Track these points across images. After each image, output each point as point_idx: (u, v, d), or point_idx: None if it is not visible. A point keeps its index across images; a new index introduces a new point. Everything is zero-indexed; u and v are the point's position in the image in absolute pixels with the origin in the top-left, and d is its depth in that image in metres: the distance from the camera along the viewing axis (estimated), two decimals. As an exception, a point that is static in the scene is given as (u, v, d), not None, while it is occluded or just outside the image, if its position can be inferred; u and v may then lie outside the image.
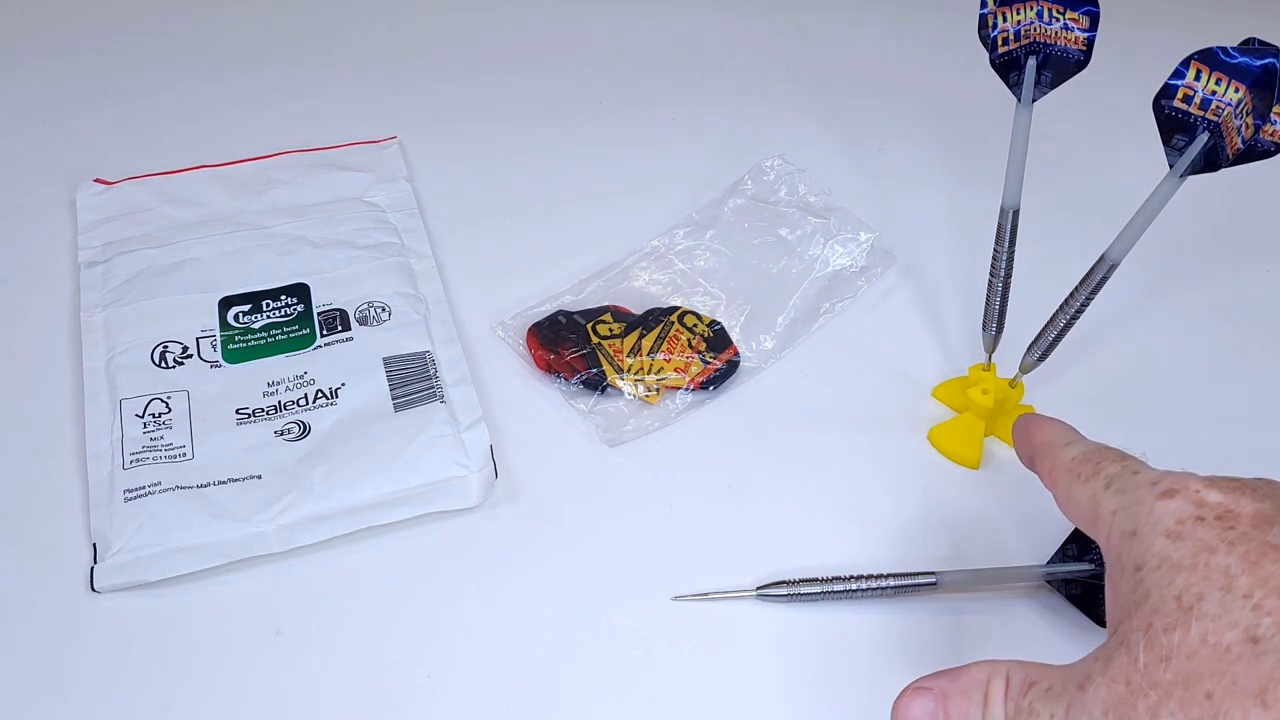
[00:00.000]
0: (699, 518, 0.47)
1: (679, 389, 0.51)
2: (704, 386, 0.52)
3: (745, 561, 0.45)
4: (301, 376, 0.49)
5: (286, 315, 0.52)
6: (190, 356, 0.50)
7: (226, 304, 0.52)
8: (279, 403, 0.48)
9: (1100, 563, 0.43)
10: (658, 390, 0.51)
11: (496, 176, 0.63)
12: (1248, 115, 0.39)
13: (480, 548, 0.45)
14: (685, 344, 0.52)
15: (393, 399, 0.49)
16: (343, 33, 0.74)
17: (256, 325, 0.51)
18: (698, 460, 0.49)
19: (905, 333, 0.56)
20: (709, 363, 0.52)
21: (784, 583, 0.44)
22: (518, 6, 0.77)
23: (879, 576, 0.43)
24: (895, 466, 0.50)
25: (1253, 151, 0.40)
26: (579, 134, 0.67)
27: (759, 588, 0.44)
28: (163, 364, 0.49)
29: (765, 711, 0.41)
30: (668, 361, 0.52)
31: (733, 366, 0.52)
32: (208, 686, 0.41)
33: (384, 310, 0.52)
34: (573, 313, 0.54)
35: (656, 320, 0.54)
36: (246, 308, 0.52)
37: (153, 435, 0.47)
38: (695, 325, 0.53)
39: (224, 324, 0.51)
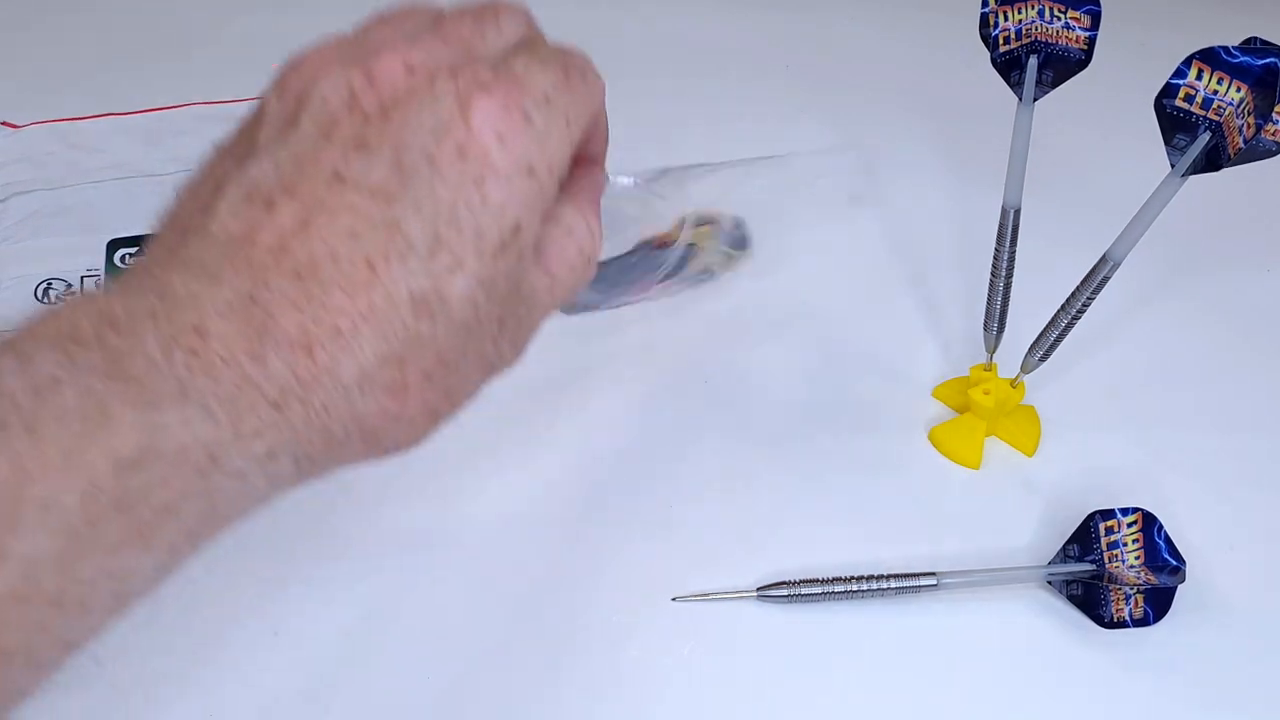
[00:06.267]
0: (699, 518, 0.47)
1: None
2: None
3: (745, 561, 0.45)
4: None
5: None
6: (74, 294, 0.52)
7: (114, 246, 0.55)
8: None
9: (1101, 563, 0.43)
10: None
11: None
12: (1249, 115, 0.39)
13: (481, 545, 0.45)
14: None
15: None
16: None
17: None
18: (698, 460, 0.49)
19: (905, 333, 0.56)
20: None
21: (784, 583, 0.43)
22: (518, 6, 0.77)
23: (879, 577, 0.43)
24: (895, 466, 0.50)
25: (1254, 151, 0.40)
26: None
27: (759, 588, 0.44)
28: (45, 300, 0.52)
29: (765, 712, 0.41)
30: None
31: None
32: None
33: None
34: (572, 312, 0.54)
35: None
36: (134, 250, 0.54)
37: None
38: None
39: (110, 265, 0.54)
